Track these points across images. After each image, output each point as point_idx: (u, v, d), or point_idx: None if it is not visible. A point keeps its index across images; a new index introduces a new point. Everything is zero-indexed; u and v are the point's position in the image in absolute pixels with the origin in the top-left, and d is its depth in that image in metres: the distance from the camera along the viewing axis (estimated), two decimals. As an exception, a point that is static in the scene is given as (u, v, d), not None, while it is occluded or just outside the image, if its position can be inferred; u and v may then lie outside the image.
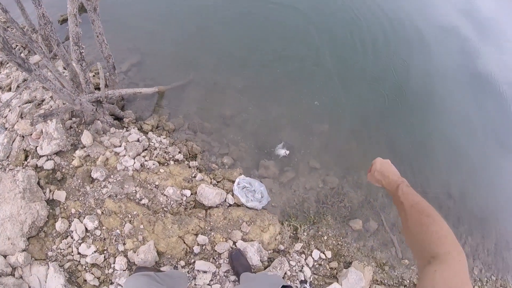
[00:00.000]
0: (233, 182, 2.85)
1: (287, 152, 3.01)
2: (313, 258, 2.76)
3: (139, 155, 2.94)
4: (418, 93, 4.48)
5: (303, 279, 2.51)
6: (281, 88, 3.81)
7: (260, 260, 2.60)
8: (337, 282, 2.73)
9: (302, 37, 4.28)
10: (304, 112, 3.66)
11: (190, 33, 3.94)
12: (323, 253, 2.82)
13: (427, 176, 3.79)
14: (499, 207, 4.29)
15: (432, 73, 4.86)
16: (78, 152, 2.85)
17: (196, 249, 2.56)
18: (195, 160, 2.99)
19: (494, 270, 3.79)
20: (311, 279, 2.69)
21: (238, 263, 2.52)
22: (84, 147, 2.92)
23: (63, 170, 2.77)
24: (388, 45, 4.67)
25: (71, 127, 3.05)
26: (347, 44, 4.42)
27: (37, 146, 2.81)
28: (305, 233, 2.86)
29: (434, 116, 4.46)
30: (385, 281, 2.98)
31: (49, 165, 2.73)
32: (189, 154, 3.05)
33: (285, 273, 2.61)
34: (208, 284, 2.51)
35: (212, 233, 2.62)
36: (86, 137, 2.92)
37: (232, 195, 2.85)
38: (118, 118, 3.28)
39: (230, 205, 2.81)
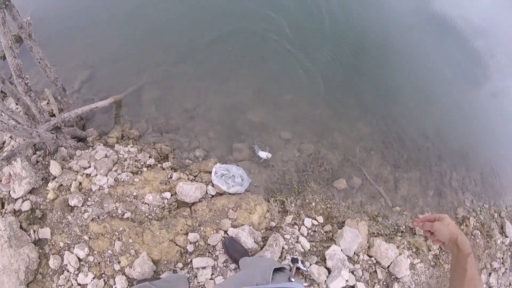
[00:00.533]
0: (210, 173, 2.81)
1: (269, 155, 2.96)
2: (306, 227, 2.78)
3: (111, 170, 2.86)
4: (379, 44, 4.47)
5: (295, 257, 2.49)
6: (238, 67, 3.74)
7: (255, 242, 2.59)
8: (335, 243, 2.76)
9: (249, 10, 4.17)
10: (266, 86, 3.61)
11: (133, 36, 3.79)
12: (315, 219, 2.84)
13: (401, 123, 3.83)
14: (477, 138, 4.41)
15: (389, 21, 4.85)
16: (51, 185, 2.77)
17: (190, 247, 2.54)
18: (168, 161, 2.92)
19: (485, 199, 3.92)
20: (310, 248, 2.71)
21: (233, 251, 2.51)
22: (55, 177, 2.84)
23: (41, 207, 2.71)
24: (341, 2, 4.60)
25: (37, 162, 2.96)
26: (302, 11, 4.34)
27: (9, 191, 2.73)
28: (293, 205, 2.87)
29: (397, 64, 4.48)
30: (381, 232, 3.03)
31: (26, 206, 2.66)
32: (160, 156, 2.98)
33: (283, 248, 2.62)
34: (211, 279, 2.50)
35: (202, 228, 2.59)
36: (54, 168, 2.83)
37: (213, 185, 2.81)
38: (82, 139, 3.17)
39: (213, 196, 2.78)
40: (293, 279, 1.33)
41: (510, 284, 3.49)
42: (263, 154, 2.96)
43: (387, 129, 3.61)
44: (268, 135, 3.24)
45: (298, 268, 1.46)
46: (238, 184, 2.77)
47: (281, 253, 2.61)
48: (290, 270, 1.44)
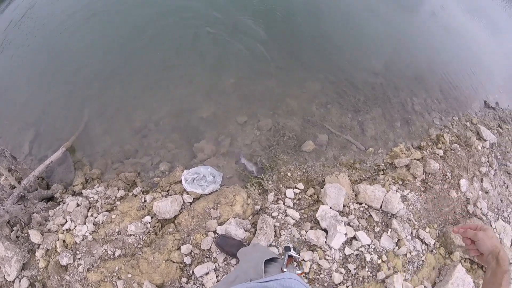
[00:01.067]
0: (181, 182, 2.80)
1: (259, 167, 2.97)
2: (289, 198, 2.80)
3: (87, 217, 2.82)
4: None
5: (287, 245, 2.48)
6: (174, 69, 3.68)
7: (245, 231, 2.60)
8: (322, 203, 2.79)
9: (169, 12, 4.12)
10: (207, 78, 3.57)
11: (60, 78, 3.71)
12: (295, 188, 2.86)
13: (347, 69, 3.85)
14: (428, 59, 4.48)
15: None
16: (38, 253, 2.75)
17: (187, 259, 2.53)
18: (137, 186, 2.90)
19: (452, 112, 4.00)
20: (300, 216, 2.74)
21: (228, 246, 2.52)
22: (39, 245, 2.80)
23: (39, 278, 2.69)
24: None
25: (17, 237, 2.93)
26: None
27: (4, 276, 2.70)
28: (270, 182, 2.88)
29: (327, 12, 4.44)
30: (363, 176, 3.08)
31: (24, 283, 2.63)
32: (128, 185, 2.95)
33: (274, 226, 2.64)
34: (217, 281, 2.51)
35: (191, 237, 2.59)
36: (34, 236, 2.80)
37: (187, 193, 2.80)
38: (50, 198, 3.11)
39: (191, 203, 2.77)
40: (285, 269, 1.30)
41: (504, 183, 3.58)
42: (254, 168, 2.95)
43: (336, 80, 3.64)
44: (224, 124, 3.22)
45: (290, 256, 1.43)
46: (211, 183, 2.76)
47: (275, 231, 2.63)
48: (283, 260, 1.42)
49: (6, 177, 3.29)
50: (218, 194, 2.73)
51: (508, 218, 3.24)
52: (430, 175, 3.15)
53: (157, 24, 3.95)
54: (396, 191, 2.97)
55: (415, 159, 3.15)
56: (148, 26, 3.92)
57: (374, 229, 2.75)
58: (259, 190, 2.85)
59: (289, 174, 2.95)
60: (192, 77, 3.56)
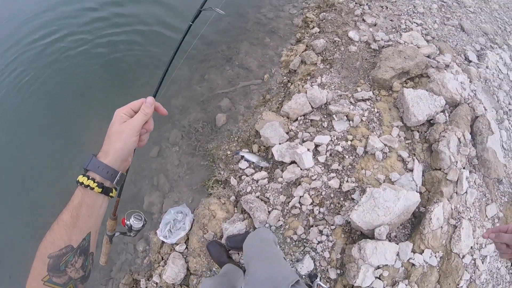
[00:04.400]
0: (163, 243, 2.55)
1: (267, 163, 2.63)
2: (247, 168, 2.67)
3: None
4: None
5: (312, 272, 2.29)
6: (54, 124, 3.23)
7: (242, 221, 2.44)
8: (271, 147, 2.69)
9: None
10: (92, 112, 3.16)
11: None
12: (254, 152, 2.73)
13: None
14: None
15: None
16: None
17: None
18: (139, 282, 2.54)
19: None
20: (267, 173, 2.62)
21: (239, 243, 2.32)
22: None
23: None
24: None
25: None
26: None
27: None
28: (222, 171, 2.71)
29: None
30: (279, 99, 3.02)
31: None
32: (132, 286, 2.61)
33: (257, 197, 2.50)
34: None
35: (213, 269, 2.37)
36: None
37: (175, 245, 2.54)
38: None
39: (186, 247, 2.51)
40: None
41: (382, 7, 3.56)
42: (263, 163, 2.62)
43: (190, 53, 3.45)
44: (144, 168, 2.92)
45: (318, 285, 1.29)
46: (184, 218, 2.55)
47: (261, 200, 2.49)
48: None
49: None
50: (197, 220, 2.51)
51: (406, 28, 3.32)
52: (324, 52, 3.17)
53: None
54: (312, 85, 2.95)
55: (302, 52, 3.14)
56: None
57: (323, 126, 2.72)
58: (221, 185, 2.67)
59: (228, 152, 2.80)
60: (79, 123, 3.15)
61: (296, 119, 2.80)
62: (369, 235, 2.24)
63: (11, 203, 2.93)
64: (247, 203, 2.48)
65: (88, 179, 0.64)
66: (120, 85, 3.30)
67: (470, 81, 2.73)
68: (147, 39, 3.57)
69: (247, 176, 2.67)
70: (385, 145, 2.55)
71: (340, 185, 2.47)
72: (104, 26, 3.64)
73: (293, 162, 2.60)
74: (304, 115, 2.80)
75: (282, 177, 2.56)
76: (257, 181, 2.61)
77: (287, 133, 2.75)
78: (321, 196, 2.46)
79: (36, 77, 3.38)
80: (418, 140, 2.62)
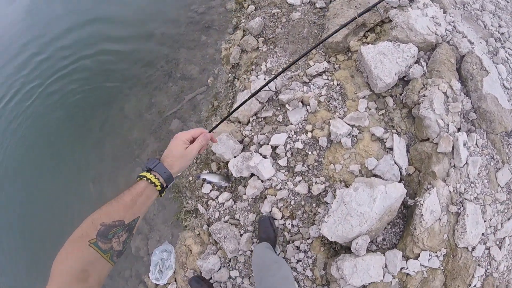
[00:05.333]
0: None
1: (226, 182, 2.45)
2: (221, 191, 2.37)
3: None
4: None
5: None
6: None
7: (212, 262, 2.20)
8: (229, 163, 2.34)
9: None
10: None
11: None
12: (215, 172, 2.42)
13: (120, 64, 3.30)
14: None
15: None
16: None
17: None
18: None
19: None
20: (231, 193, 2.30)
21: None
22: None
23: None
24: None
25: None
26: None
27: None
28: (189, 200, 2.44)
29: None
30: (229, 102, 2.60)
31: None
32: None
33: (229, 222, 2.22)
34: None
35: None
36: None
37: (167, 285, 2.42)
38: None
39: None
40: None
41: None
42: (223, 183, 2.43)
43: (131, 77, 3.11)
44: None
45: None
46: (169, 256, 2.41)
47: (235, 225, 2.20)
48: None
49: None
50: (177, 258, 2.32)
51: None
52: (263, 31, 2.62)
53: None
54: (257, 76, 2.49)
55: (241, 40, 2.64)
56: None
57: (279, 121, 2.27)
58: (193, 215, 2.43)
59: (190, 178, 2.52)
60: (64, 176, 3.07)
61: (249, 122, 2.40)
62: (350, 246, 1.84)
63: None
64: (215, 234, 2.21)
65: (155, 177, 0.79)
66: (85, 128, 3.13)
67: (444, 12, 2.02)
68: (97, 62, 3.32)
69: (213, 200, 2.38)
70: (352, 126, 2.05)
71: (308, 189, 2.06)
72: (50, 65, 3.48)
73: (253, 174, 2.24)
74: (255, 114, 2.38)
75: (246, 193, 2.23)
76: (223, 204, 2.32)
77: (242, 140, 2.37)
78: (291, 207, 2.09)
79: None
80: (393, 107, 2.05)
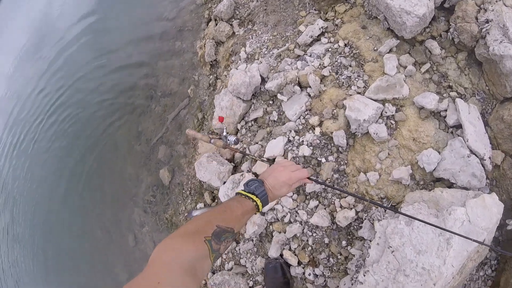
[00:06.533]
0: None
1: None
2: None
3: None
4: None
5: None
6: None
7: None
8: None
9: None
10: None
11: None
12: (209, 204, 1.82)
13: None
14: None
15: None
16: None
17: None
18: None
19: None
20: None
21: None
22: None
23: None
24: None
25: None
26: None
27: None
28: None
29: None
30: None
31: None
32: None
33: (236, 274, 1.57)
34: None
35: None
36: None
37: None
38: None
39: None
40: None
41: None
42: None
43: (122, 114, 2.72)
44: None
45: None
46: None
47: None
48: None
49: None
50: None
51: None
52: (236, 11, 1.94)
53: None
54: (237, 67, 1.81)
55: (213, 40, 2.01)
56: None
57: (274, 120, 1.55)
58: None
59: (186, 214, 1.94)
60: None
61: (237, 131, 1.74)
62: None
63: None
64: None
65: (260, 201, 0.79)
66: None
67: None
68: (95, 89, 3.08)
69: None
70: (383, 101, 1.24)
71: (331, 218, 1.29)
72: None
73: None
74: (243, 118, 1.71)
75: (246, 232, 1.56)
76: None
77: (232, 157, 1.72)
78: (309, 248, 1.34)
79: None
80: (442, 54, 1.19)
